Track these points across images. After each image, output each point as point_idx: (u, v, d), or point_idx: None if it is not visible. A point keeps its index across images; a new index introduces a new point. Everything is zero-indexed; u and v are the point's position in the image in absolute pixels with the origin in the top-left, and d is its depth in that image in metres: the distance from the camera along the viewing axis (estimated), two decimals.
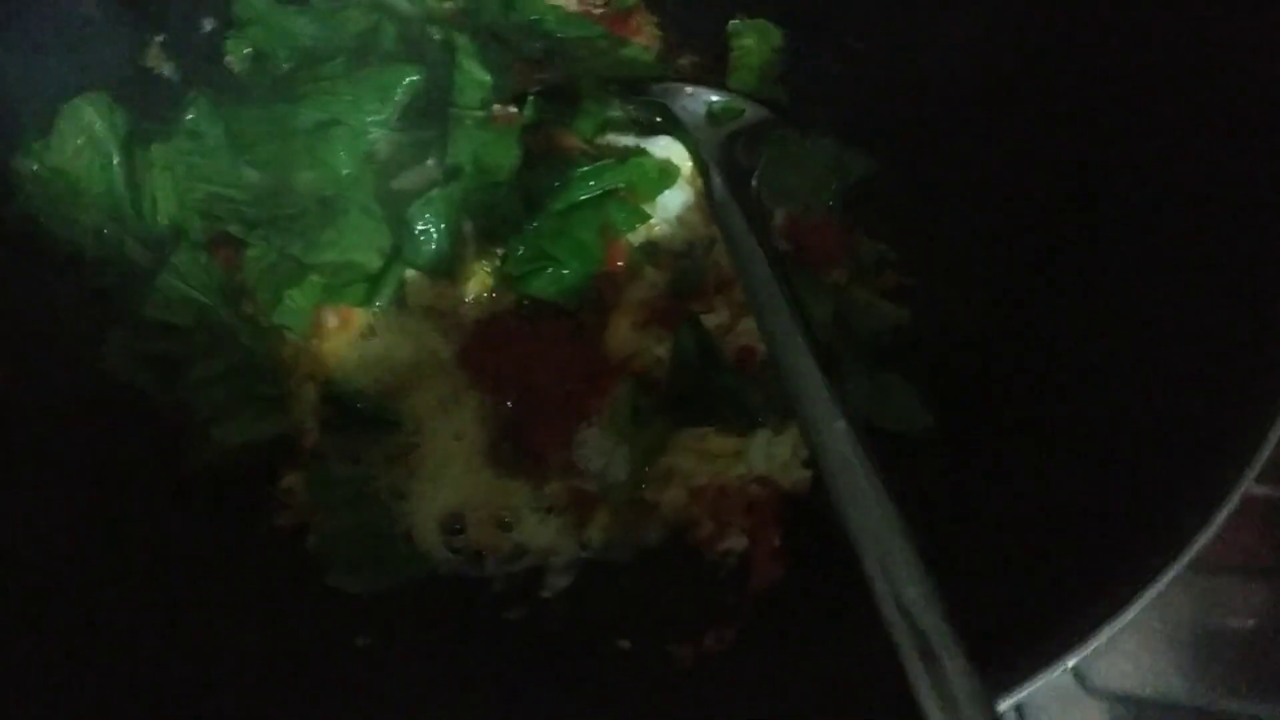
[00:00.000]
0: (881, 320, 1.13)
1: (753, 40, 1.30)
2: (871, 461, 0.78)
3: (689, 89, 1.13)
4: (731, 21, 1.30)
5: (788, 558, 1.01)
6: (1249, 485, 0.74)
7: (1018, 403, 1.00)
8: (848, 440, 0.80)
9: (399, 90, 1.17)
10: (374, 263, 1.11)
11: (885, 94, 1.22)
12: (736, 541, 1.03)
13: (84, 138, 1.09)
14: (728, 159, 1.04)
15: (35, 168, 1.07)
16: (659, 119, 1.13)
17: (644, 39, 1.33)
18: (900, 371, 1.09)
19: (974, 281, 1.09)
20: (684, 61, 1.33)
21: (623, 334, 1.11)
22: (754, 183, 1.01)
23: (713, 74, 1.31)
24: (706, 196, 1.01)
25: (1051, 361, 1.00)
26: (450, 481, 1.05)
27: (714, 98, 1.13)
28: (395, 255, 1.11)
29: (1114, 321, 0.96)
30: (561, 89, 1.17)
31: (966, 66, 1.15)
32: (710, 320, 1.10)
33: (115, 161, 1.10)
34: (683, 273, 1.14)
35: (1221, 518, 0.73)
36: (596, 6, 1.34)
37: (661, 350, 1.09)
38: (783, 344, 0.87)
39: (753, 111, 1.13)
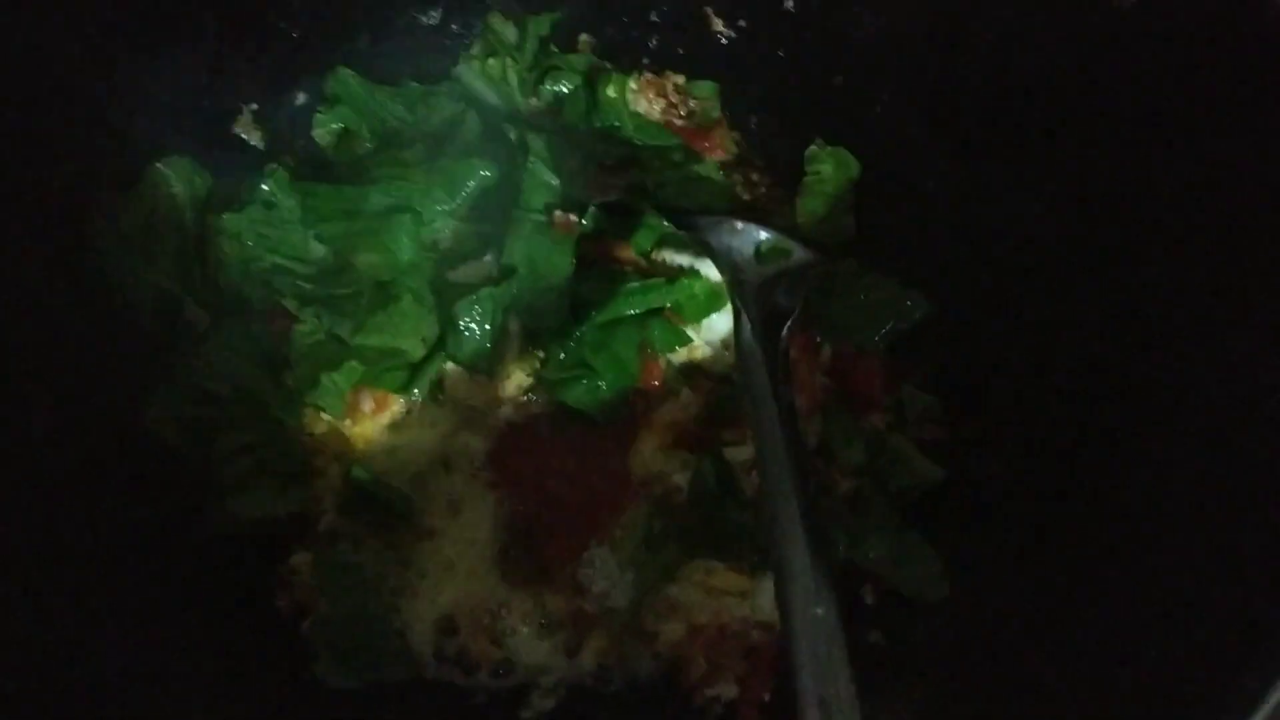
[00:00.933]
0: (916, 475, 1.10)
1: (829, 167, 1.29)
2: (844, 655, 0.76)
3: (739, 225, 1.13)
4: (811, 147, 1.30)
5: (774, 715, 0.98)
6: None
7: (1042, 590, 0.97)
8: (822, 629, 0.77)
9: (470, 184, 1.20)
10: (417, 351, 1.13)
11: (952, 241, 1.20)
12: (726, 689, 1.01)
13: (161, 199, 1.13)
14: (765, 301, 1.04)
15: (113, 223, 1.11)
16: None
17: (722, 153, 1.33)
18: (925, 532, 1.06)
19: (1017, 452, 1.06)
20: (756, 179, 1.32)
21: (648, 454, 1.11)
22: (785, 332, 1.00)
23: (785, 196, 1.30)
24: (734, 338, 1.00)
25: (1081, 549, 0.96)
26: (453, 582, 1.05)
27: (764, 235, 1.12)
28: (439, 346, 1.13)
29: (1146, 523, 0.92)
30: (623, 205, 1.18)
31: (1038, 228, 1.13)
32: (735, 454, 1.09)
33: (188, 224, 1.15)
34: (718, 399, 1.13)
35: None
36: (679, 117, 1.35)
37: (681, 478, 1.08)
38: (777, 508, 0.85)
39: (800, 254, 1.12)
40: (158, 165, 1.13)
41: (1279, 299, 0.88)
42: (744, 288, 1.05)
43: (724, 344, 1.15)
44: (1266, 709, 0.71)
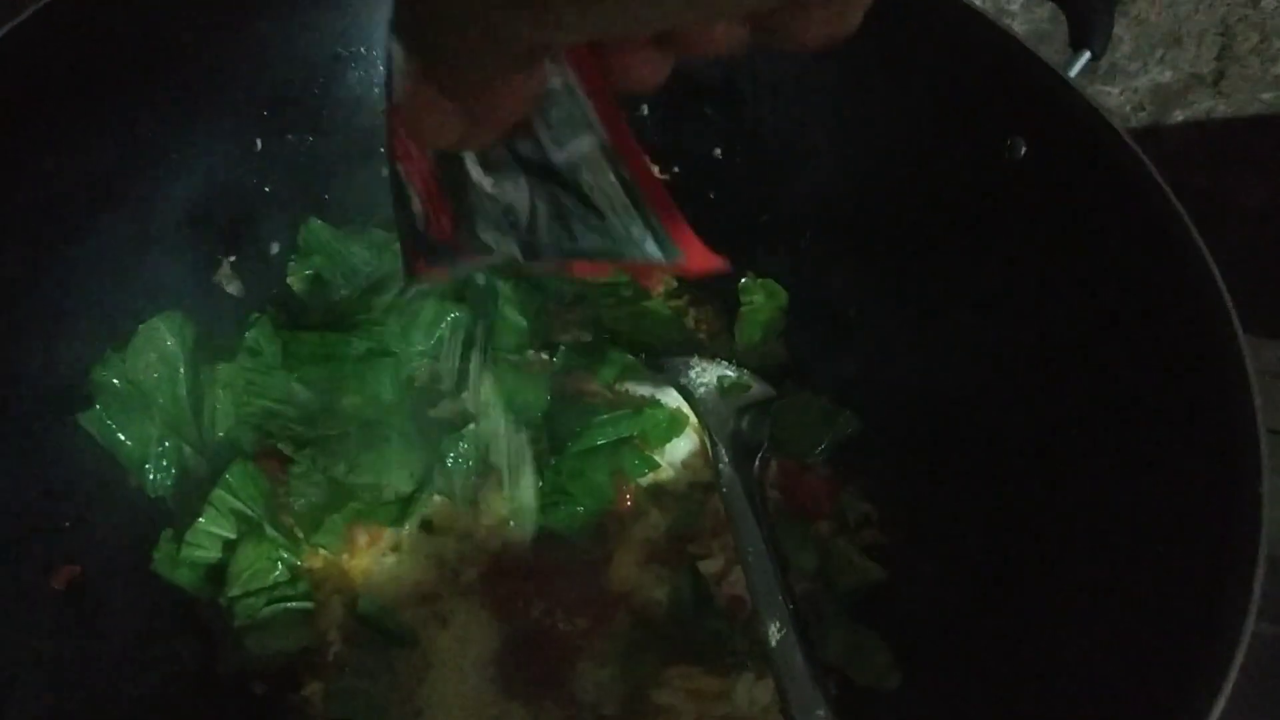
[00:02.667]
0: (861, 576, 1.23)
1: (761, 298, 1.43)
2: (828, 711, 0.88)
3: (703, 364, 1.27)
4: (743, 280, 1.44)
5: None
6: None
7: (984, 671, 1.11)
8: (811, 690, 0.90)
9: (443, 326, 1.31)
10: (407, 486, 1.22)
11: (875, 363, 1.35)
12: None
13: (156, 353, 1.20)
14: (736, 434, 1.17)
15: (112, 379, 1.18)
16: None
17: (662, 287, 1.47)
18: (875, 627, 1.19)
19: (948, 553, 1.20)
20: (695, 315, 1.46)
21: (625, 569, 1.22)
22: (758, 461, 1.13)
23: (723, 326, 1.45)
24: (712, 469, 1.13)
25: (1021, 640, 1.10)
26: (456, 701, 1.14)
27: (725, 372, 1.26)
28: (426, 481, 1.22)
29: (1079, 610, 1.06)
30: (589, 344, 1.31)
31: (955, 348, 1.29)
32: (707, 567, 1.21)
33: (181, 375, 1.22)
34: (684, 515, 1.25)
35: None
36: None
37: (659, 591, 1.19)
38: (770, 622, 0.98)
39: (759, 389, 1.26)
40: (153, 321, 1.21)
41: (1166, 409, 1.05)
42: (714, 420, 1.19)
43: (684, 465, 1.28)
44: None
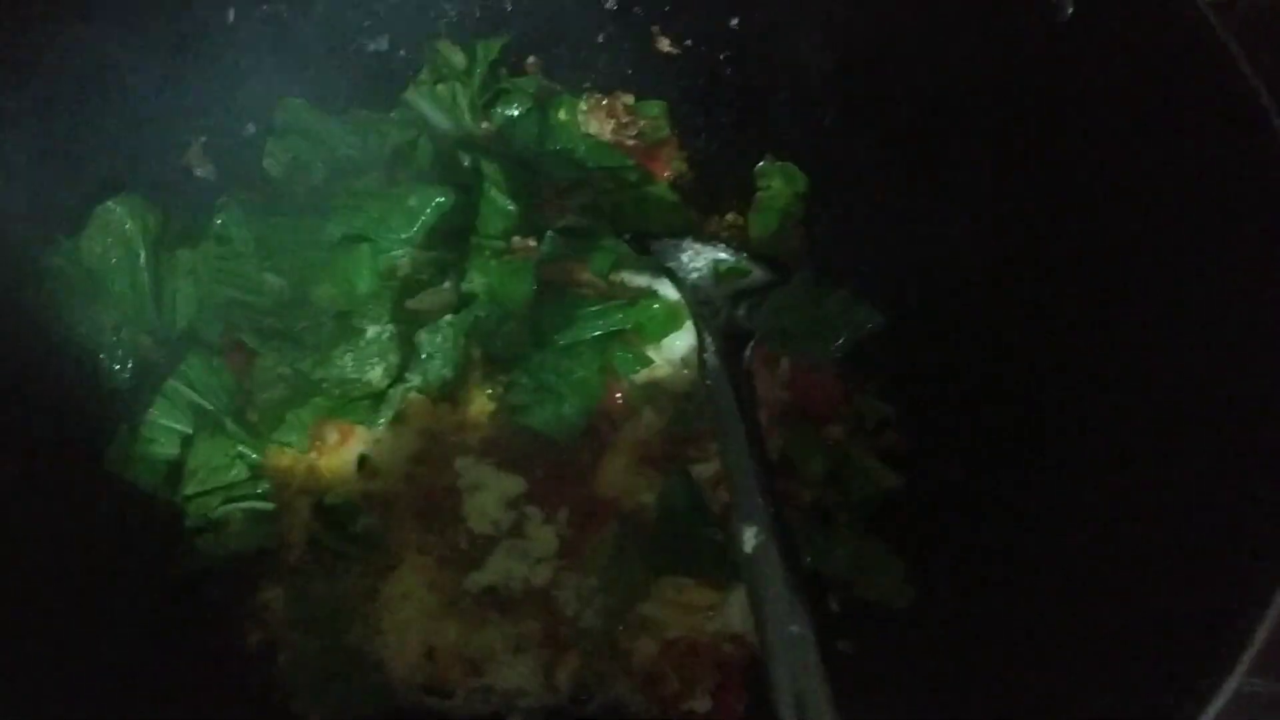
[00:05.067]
0: (875, 483, 1.13)
1: (779, 183, 1.31)
2: (821, 670, 0.78)
3: (697, 246, 1.15)
4: (760, 163, 1.32)
5: None
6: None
7: (1002, 587, 1.00)
8: (798, 645, 0.80)
9: (426, 212, 1.21)
10: (380, 382, 1.13)
11: (900, 252, 1.22)
12: (701, 703, 1.03)
13: (114, 238, 1.12)
14: (726, 323, 1.06)
15: (64, 264, 1.10)
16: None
17: (671, 172, 1.35)
18: (888, 539, 1.08)
19: (971, 455, 1.09)
20: (707, 197, 1.34)
21: (615, 474, 1.12)
22: (748, 352, 1.02)
23: (736, 212, 1.32)
24: (699, 360, 1.02)
25: (1042, 549, 0.99)
26: (426, 609, 1.06)
27: (721, 256, 1.14)
28: (401, 375, 1.13)
29: (1105, 520, 0.95)
30: (580, 228, 1.19)
31: (985, 236, 1.16)
32: (702, 471, 1.10)
33: (142, 262, 1.14)
34: (681, 416, 1.15)
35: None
36: (629, 138, 1.37)
37: (649, 496, 1.10)
38: (748, 526, 0.87)
39: (759, 274, 1.14)
40: (109, 204, 1.12)
41: (1224, 294, 0.91)
42: (705, 309, 1.07)
43: (684, 362, 1.17)
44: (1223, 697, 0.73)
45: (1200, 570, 0.83)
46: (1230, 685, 0.73)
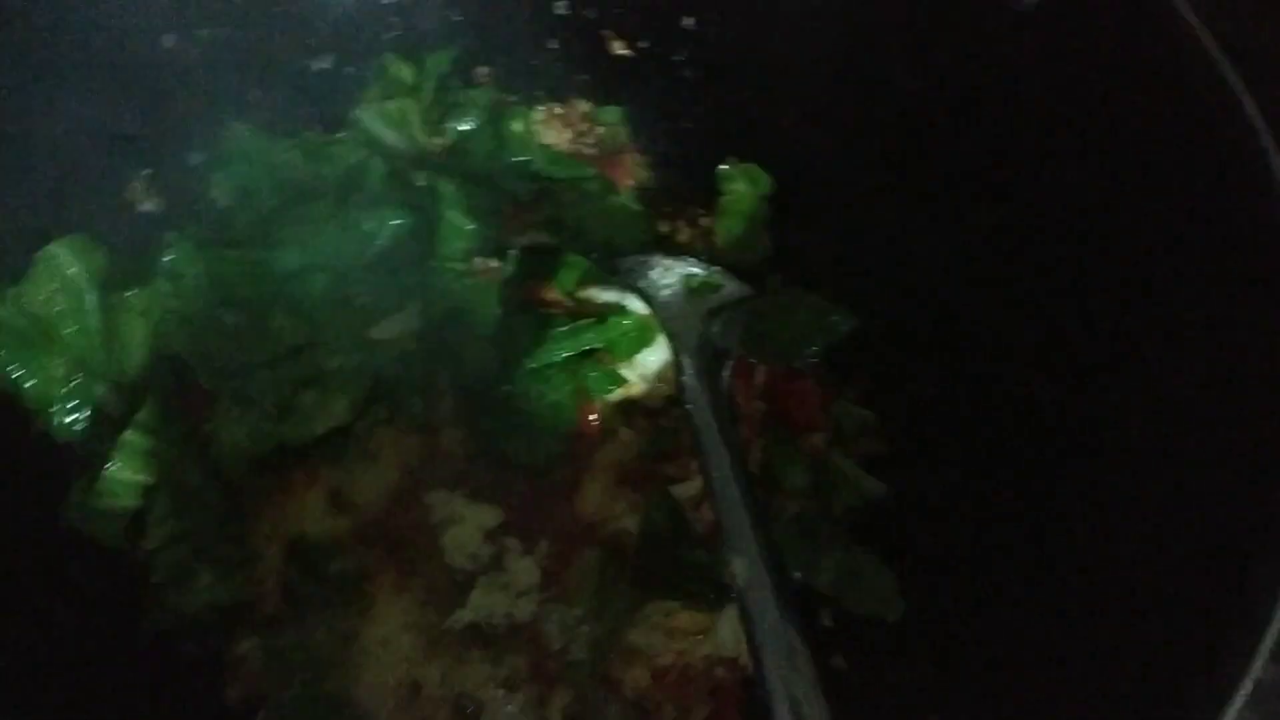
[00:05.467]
0: (860, 493, 1.11)
1: (743, 185, 1.28)
2: (816, 684, 0.77)
3: (667, 262, 1.12)
4: (722, 166, 1.29)
5: None
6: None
7: (995, 593, 0.98)
8: (793, 660, 0.78)
9: (381, 235, 1.17)
10: (346, 415, 1.09)
11: (869, 253, 1.20)
12: None
13: (58, 282, 1.07)
14: (702, 340, 1.03)
15: (7, 314, 1.05)
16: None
17: (633, 180, 1.32)
18: (876, 550, 1.06)
19: (955, 462, 1.07)
20: (670, 208, 1.31)
21: (594, 498, 1.09)
22: (727, 372, 0.99)
23: (701, 218, 1.29)
24: (675, 379, 0.99)
25: (1031, 555, 0.97)
26: (407, 652, 1.03)
27: (693, 270, 1.11)
28: (368, 408, 1.10)
29: (1090, 522, 0.93)
30: (544, 245, 1.16)
31: (953, 234, 1.14)
32: (682, 491, 1.08)
33: (90, 306, 1.09)
34: (658, 433, 1.12)
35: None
36: (588, 146, 1.33)
37: (630, 522, 1.07)
38: (735, 547, 0.85)
39: (732, 288, 1.11)
40: (51, 247, 1.07)
41: (1201, 291, 0.90)
42: (679, 328, 1.04)
43: (658, 378, 1.14)
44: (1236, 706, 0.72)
45: (1197, 567, 0.81)
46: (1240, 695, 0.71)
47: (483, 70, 1.36)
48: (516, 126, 1.29)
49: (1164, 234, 0.91)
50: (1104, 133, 0.96)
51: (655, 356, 1.14)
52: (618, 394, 1.12)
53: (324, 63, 1.30)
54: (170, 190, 1.22)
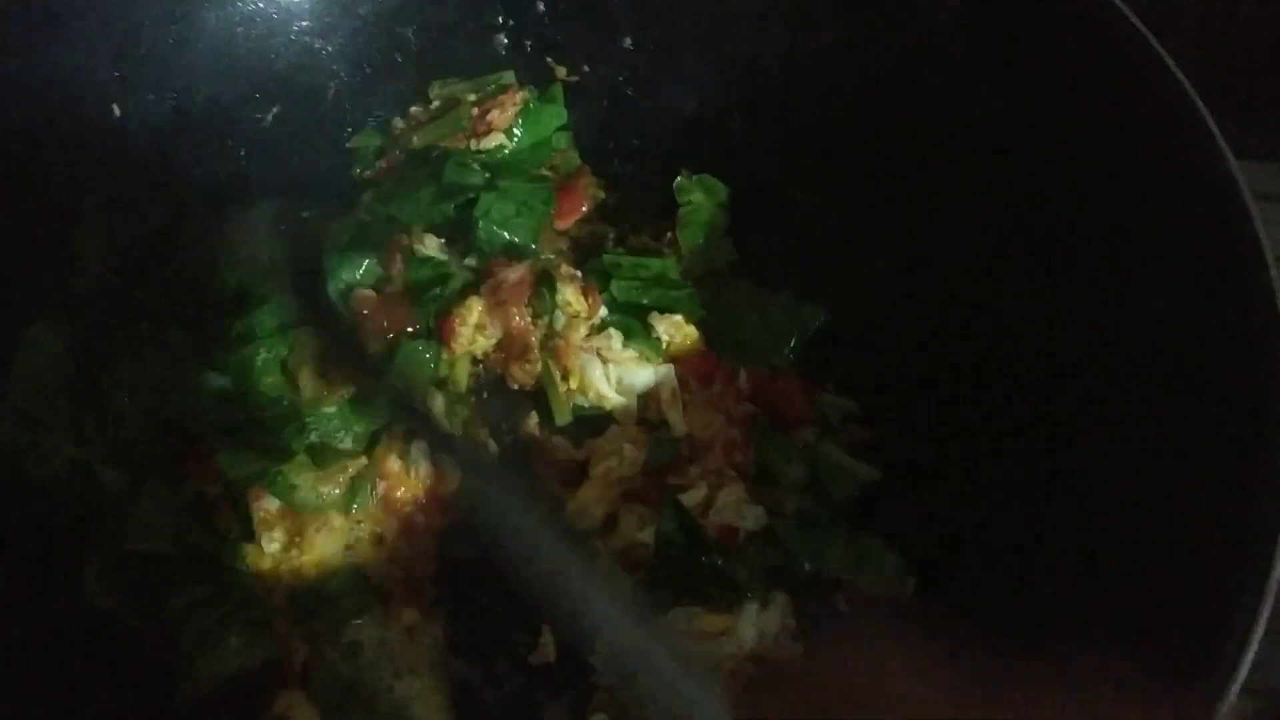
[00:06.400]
0: (854, 480, 1.14)
1: (699, 196, 1.32)
2: None
3: None
4: (678, 179, 1.32)
5: None
6: None
7: (1002, 565, 1.03)
8: None
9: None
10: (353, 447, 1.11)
11: (830, 246, 1.25)
12: None
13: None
14: None
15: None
16: None
17: (591, 202, 1.34)
18: (880, 533, 1.11)
19: (942, 440, 1.12)
20: (633, 221, 1.35)
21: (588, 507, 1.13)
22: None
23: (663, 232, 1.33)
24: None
25: (1028, 531, 1.02)
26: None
27: None
28: (373, 444, 1.12)
29: (1081, 479, 0.99)
30: None
31: (907, 222, 1.19)
32: (690, 498, 1.11)
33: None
34: (657, 445, 1.15)
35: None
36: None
37: (645, 534, 1.10)
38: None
39: None
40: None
41: (1157, 261, 0.96)
42: None
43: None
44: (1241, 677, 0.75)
45: (1192, 529, 0.85)
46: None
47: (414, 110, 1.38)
48: None
49: (1114, 207, 0.98)
50: (1055, 124, 1.02)
51: (643, 375, 1.17)
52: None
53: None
54: None
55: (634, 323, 1.21)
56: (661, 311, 1.21)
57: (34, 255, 1.12)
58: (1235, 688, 0.74)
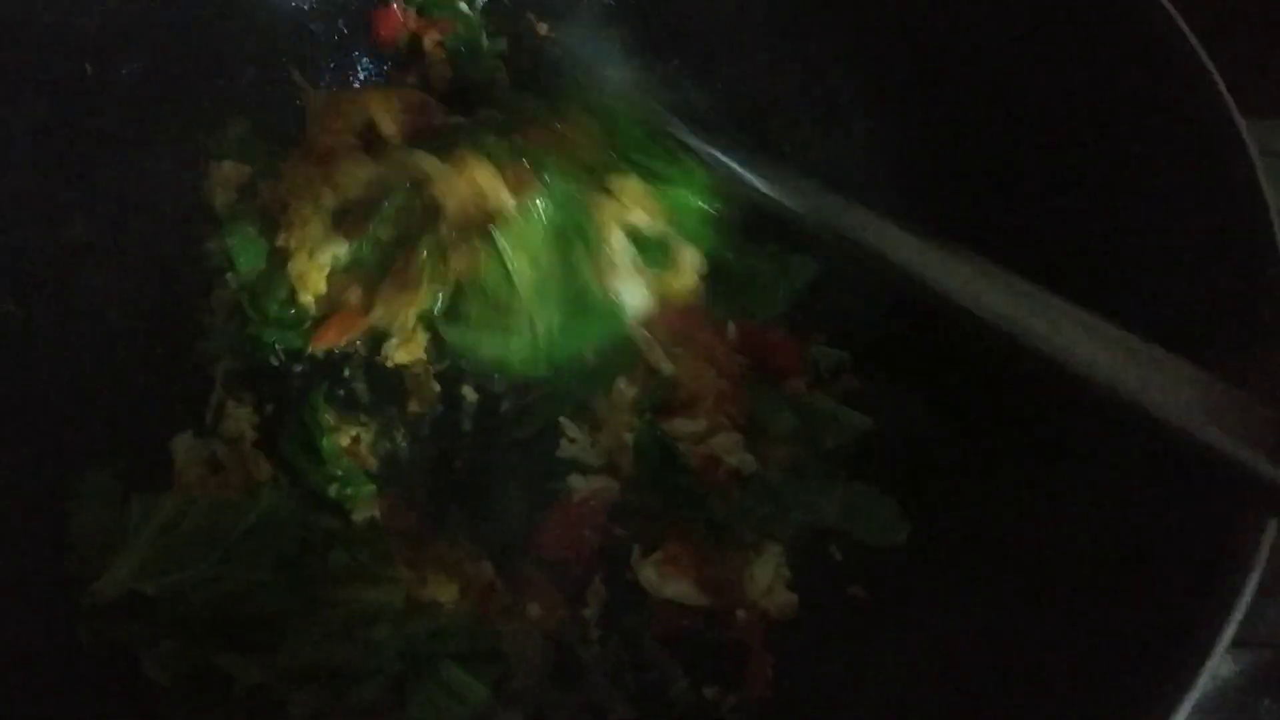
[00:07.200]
0: (846, 429, 1.14)
1: None
2: None
3: None
4: None
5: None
6: None
7: (988, 515, 1.05)
8: None
9: None
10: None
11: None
12: None
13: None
14: None
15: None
16: None
17: None
18: (873, 481, 1.11)
19: (932, 387, 1.12)
20: None
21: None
22: None
23: None
24: None
25: (1016, 470, 1.04)
26: None
27: None
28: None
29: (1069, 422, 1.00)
30: None
31: (894, 172, 1.20)
32: (682, 427, 1.13)
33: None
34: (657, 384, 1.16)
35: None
36: None
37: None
38: None
39: None
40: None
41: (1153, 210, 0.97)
42: None
43: None
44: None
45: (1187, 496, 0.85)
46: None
47: None
48: None
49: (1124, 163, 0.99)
50: (1058, 86, 1.03)
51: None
52: None
53: None
54: None
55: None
56: None
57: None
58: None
